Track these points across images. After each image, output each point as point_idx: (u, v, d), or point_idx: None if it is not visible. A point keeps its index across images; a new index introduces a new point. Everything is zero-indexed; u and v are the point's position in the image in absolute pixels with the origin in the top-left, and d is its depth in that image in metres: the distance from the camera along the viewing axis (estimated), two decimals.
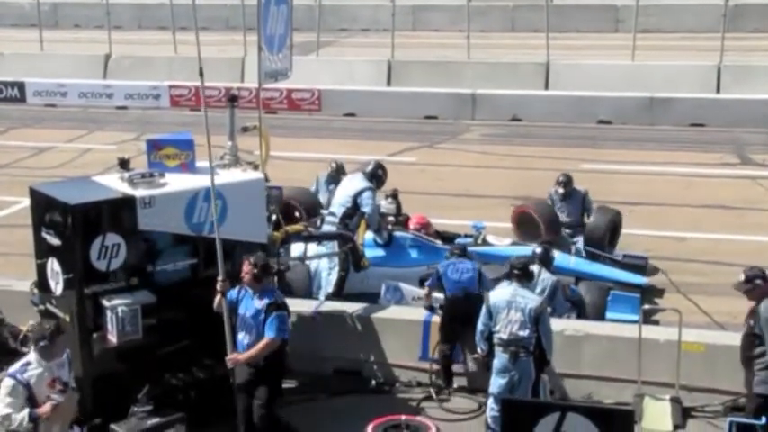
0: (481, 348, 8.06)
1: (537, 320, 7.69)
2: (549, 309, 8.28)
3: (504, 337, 7.71)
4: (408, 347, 9.03)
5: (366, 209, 10.28)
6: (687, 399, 8.09)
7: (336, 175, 11.81)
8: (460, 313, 8.63)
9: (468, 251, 9.38)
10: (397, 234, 10.75)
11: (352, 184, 10.55)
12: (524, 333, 7.68)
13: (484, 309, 7.89)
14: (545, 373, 8.04)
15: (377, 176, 10.63)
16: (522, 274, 7.88)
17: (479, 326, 7.97)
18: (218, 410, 7.60)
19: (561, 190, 11.49)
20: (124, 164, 7.87)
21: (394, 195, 11.26)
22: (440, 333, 8.83)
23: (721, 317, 10.11)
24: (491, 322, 7.82)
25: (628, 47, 21.49)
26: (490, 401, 7.90)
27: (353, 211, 10.30)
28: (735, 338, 8.26)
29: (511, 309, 7.71)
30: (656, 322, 9.61)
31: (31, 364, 6.38)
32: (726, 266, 11.65)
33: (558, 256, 10.56)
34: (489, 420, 7.89)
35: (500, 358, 7.77)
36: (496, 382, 7.82)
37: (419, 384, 8.91)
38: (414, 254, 10.69)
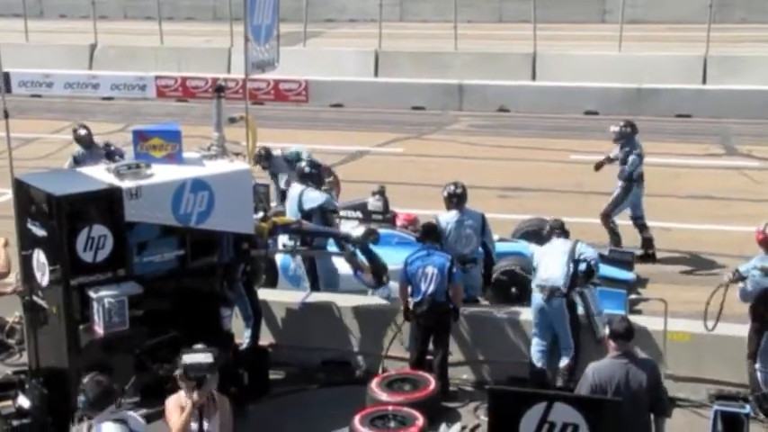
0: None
1: (575, 259, 8.43)
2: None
3: (544, 276, 8.47)
4: (396, 338, 9.03)
5: (317, 203, 9.88)
6: (673, 388, 8.11)
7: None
8: (430, 323, 8.62)
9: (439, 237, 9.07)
10: (384, 231, 10.65)
11: (291, 198, 10.12)
12: (561, 272, 8.37)
13: (533, 263, 8.78)
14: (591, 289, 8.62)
15: (310, 176, 10.20)
16: (561, 231, 8.85)
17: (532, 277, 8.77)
18: None
19: None
20: (110, 155, 7.83)
21: (381, 192, 11.17)
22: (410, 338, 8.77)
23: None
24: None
25: (615, 37, 21.51)
26: (534, 340, 8.59)
27: (311, 219, 9.85)
28: (720, 328, 8.32)
29: (550, 254, 8.59)
30: (639, 312, 9.67)
31: None
32: (711, 256, 11.73)
33: None
34: (534, 358, 8.55)
35: (536, 299, 8.51)
36: (534, 321, 8.57)
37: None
38: (400, 251, 10.61)
